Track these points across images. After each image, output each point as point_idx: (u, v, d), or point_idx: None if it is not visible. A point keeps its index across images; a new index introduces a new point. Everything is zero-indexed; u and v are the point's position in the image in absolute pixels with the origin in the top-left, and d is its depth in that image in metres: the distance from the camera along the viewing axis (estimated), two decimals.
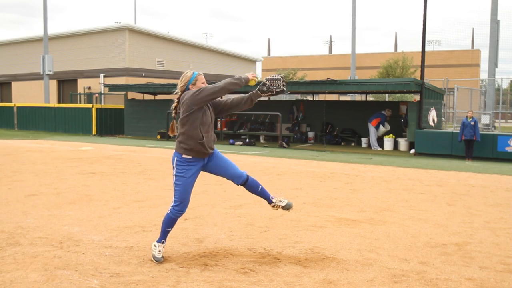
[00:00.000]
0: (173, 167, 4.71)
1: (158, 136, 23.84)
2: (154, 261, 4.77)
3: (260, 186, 4.92)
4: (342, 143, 21.24)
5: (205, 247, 5.27)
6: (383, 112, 19.29)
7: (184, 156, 4.65)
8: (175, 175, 4.69)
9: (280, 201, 4.96)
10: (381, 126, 19.19)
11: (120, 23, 32.83)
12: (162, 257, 4.80)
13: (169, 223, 4.78)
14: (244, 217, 6.71)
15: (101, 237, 5.63)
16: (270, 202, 4.97)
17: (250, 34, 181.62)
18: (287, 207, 4.92)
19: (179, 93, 4.72)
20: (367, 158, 15.50)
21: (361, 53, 58.34)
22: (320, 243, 5.49)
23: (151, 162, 13.36)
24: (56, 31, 33.87)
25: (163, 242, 4.83)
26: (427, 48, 31.30)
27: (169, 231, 4.86)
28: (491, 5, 22.91)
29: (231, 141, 21.39)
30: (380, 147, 19.08)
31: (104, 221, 6.38)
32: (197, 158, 4.69)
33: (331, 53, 74.85)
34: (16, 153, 15.19)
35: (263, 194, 4.94)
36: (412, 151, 17.38)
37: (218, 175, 4.89)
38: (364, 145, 20.14)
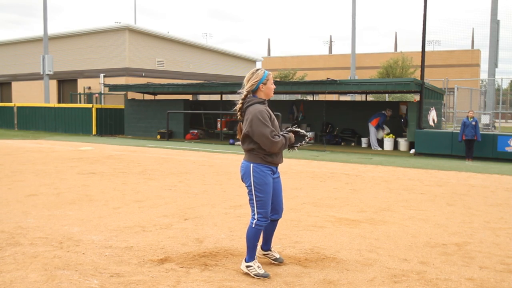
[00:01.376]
0: (249, 177, 4.35)
1: (158, 136, 23.84)
2: (262, 278, 4.34)
3: (273, 234, 4.81)
4: (342, 143, 21.24)
5: (205, 247, 5.27)
6: (383, 112, 19.28)
7: (261, 163, 4.34)
8: (255, 186, 4.32)
9: (276, 256, 4.78)
10: (380, 130, 19.19)
11: (120, 23, 32.82)
12: (265, 271, 4.42)
13: (257, 236, 4.41)
14: (244, 217, 6.71)
15: (101, 237, 5.63)
16: (266, 249, 4.76)
17: (250, 34, 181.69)
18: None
19: (246, 93, 4.35)
20: (367, 158, 15.50)
21: (361, 53, 58.37)
22: (320, 243, 5.49)
23: (151, 162, 13.36)
24: (56, 31, 33.88)
25: (256, 258, 4.46)
26: (427, 48, 31.35)
27: (257, 245, 4.50)
28: (491, 5, 22.93)
29: (231, 141, 21.38)
30: (380, 147, 19.08)
31: (104, 221, 6.38)
32: (272, 167, 4.42)
33: (331, 53, 74.82)
34: (16, 153, 15.19)
35: (269, 239, 4.76)
36: (412, 151, 17.37)
37: None
38: (364, 145, 20.13)
